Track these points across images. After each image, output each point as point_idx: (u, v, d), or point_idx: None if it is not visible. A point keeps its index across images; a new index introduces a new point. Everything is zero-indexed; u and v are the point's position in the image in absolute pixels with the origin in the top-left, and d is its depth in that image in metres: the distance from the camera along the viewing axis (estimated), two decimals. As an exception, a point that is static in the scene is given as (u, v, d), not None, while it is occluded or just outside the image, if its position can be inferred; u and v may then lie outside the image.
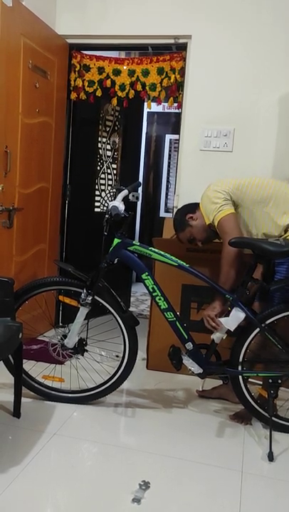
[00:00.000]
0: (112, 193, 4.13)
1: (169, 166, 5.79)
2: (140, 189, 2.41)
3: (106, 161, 4.04)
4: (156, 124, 5.76)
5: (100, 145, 3.93)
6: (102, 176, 4.03)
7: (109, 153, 4.06)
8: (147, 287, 2.28)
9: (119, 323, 2.34)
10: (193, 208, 2.44)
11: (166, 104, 3.75)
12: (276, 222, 2.26)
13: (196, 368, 2.29)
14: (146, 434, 2.21)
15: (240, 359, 2.24)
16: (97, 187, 3.98)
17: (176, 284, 2.82)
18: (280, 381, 2.17)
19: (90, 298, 2.28)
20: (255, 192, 2.28)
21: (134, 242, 2.28)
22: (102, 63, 3.43)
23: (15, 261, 3.01)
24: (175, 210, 3.32)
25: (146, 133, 5.68)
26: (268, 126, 3.07)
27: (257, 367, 2.37)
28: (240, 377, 2.26)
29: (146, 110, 4.83)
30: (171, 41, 3.22)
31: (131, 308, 4.43)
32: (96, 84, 3.46)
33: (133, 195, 2.30)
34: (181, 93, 3.27)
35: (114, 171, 4.16)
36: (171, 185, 5.73)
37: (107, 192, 4.11)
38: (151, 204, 5.88)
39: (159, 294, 2.28)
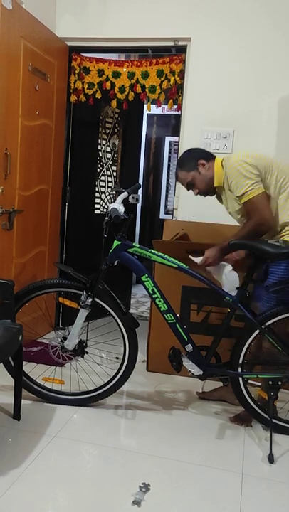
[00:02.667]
0: (111, 195, 4.14)
1: (168, 168, 5.80)
2: (140, 191, 2.41)
3: (106, 163, 4.05)
4: (156, 126, 5.77)
5: (99, 147, 3.93)
6: (102, 178, 4.04)
7: (109, 155, 4.06)
8: (147, 289, 2.28)
9: (119, 325, 2.34)
10: (208, 156, 2.38)
11: (165, 107, 3.75)
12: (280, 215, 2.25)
13: (196, 370, 2.28)
14: (147, 436, 2.21)
15: (241, 361, 2.24)
16: (97, 189, 3.98)
17: (176, 286, 2.82)
18: (280, 383, 2.17)
19: (90, 300, 2.28)
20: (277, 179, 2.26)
21: (134, 244, 2.28)
22: (101, 66, 3.44)
23: (15, 263, 3.01)
24: (175, 212, 3.33)
25: (146, 135, 5.69)
26: (268, 129, 3.07)
27: (257, 368, 2.37)
28: (240, 379, 2.26)
29: (146, 112, 4.84)
30: (171, 44, 3.23)
31: (131, 310, 4.43)
32: (96, 86, 3.46)
33: (133, 197, 2.31)
34: (181, 95, 3.28)
35: (114, 173, 4.17)
36: (171, 187, 5.74)
37: (107, 194, 4.11)
38: (151, 206, 5.89)
39: (159, 296, 2.28)
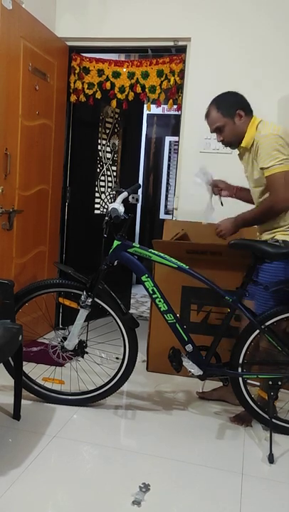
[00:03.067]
0: (111, 195, 4.14)
1: (168, 167, 5.80)
2: (140, 191, 2.40)
3: (106, 163, 4.05)
4: (156, 126, 5.77)
5: (99, 147, 3.93)
6: (102, 178, 4.04)
7: (109, 155, 4.06)
8: (147, 289, 2.28)
9: (119, 325, 2.34)
10: (248, 109, 2.28)
11: (165, 106, 3.75)
12: None
13: (196, 370, 2.28)
14: (147, 436, 2.21)
15: (241, 361, 2.24)
16: (97, 189, 3.98)
17: (176, 286, 2.82)
18: (280, 383, 2.17)
19: (90, 300, 2.28)
20: None
21: (133, 244, 2.28)
22: (101, 66, 3.44)
23: (15, 263, 3.01)
24: (175, 212, 3.33)
25: (146, 135, 5.69)
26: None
27: (257, 368, 2.37)
28: (240, 379, 2.26)
29: (146, 112, 4.84)
30: (171, 44, 3.23)
31: (131, 310, 4.43)
32: (96, 86, 3.46)
33: (133, 197, 2.31)
34: (181, 95, 3.28)
35: (114, 173, 4.17)
36: (171, 187, 5.74)
37: (107, 194, 4.11)
38: (151, 206, 5.89)
39: (159, 296, 2.28)
